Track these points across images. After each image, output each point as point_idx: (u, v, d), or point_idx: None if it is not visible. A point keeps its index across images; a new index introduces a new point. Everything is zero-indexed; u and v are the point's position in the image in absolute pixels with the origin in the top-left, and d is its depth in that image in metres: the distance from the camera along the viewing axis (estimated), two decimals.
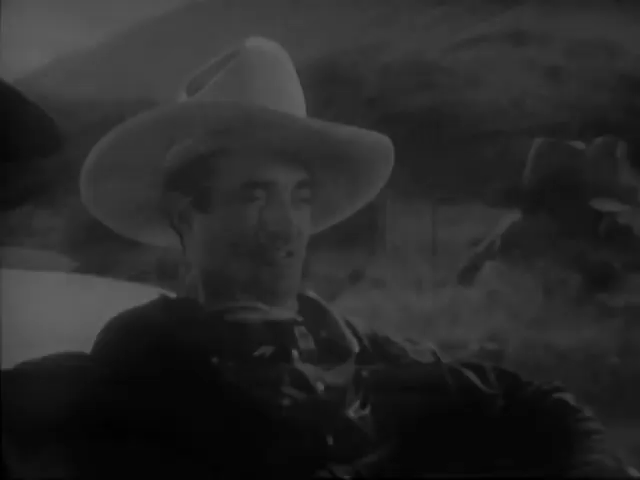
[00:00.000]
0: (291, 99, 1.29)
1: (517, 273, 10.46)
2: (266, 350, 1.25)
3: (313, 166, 1.31)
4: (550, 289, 10.11)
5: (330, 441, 1.22)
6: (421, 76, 20.57)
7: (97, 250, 12.14)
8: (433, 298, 9.98)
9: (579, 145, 12.28)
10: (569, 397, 1.36)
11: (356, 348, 1.32)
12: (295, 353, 1.26)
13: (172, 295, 1.32)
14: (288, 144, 1.25)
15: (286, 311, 1.30)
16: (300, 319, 1.30)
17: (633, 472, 1.33)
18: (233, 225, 1.26)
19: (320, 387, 1.25)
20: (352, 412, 1.27)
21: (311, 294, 1.37)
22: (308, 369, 1.26)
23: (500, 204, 13.07)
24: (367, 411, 1.29)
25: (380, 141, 1.33)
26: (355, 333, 1.35)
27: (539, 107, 18.98)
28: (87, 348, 1.28)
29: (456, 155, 17.63)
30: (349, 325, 1.36)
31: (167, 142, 1.27)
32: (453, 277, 11.20)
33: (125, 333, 1.24)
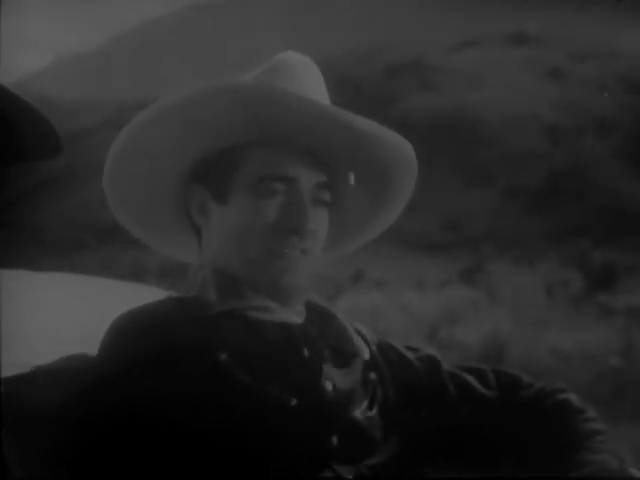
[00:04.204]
0: (321, 97, 1.31)
1: (518, 273, 10.46)
2: (275, 349, 1.25)
3: (335, 171, 1.31)
4: (551, 289, 10.11)
5: (335, 441, 1.22)
6: (423, 77, 20.60)
7: (97, 250, 12.14)
8: (434, 298, 9.98)
9: None
10: (573, 398, 1.36)
11: (366, 354, 1.33)
12: (305, 352, 1.26)
13: (180, 295, 1.32)
14: (307, 132, 1.25)
15: (295, 316, 1.30)
16: (308, 324, 1.30)
17: (635, 473, 1.33)
18: (250, 218, 1.26)
19: (328, 387, 1.25)
20: (359, 413, 1.27)
21: (320, 301, 1.37)
22: (317, 369, 1.26)
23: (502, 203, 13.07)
24: (374, 412, 1.29)
25: (401, 144, 1.32)
26: (364, 340, 1.36)
27: (540, 108, 19.00)
28: (86, 348, 1.28)
29: (458, 156, 17.65)
30: (358, 332, 1.36)
31: (192, 126, 1.27)
32: (454, 277, 11.19)
33: (135, 331, 1.24)
